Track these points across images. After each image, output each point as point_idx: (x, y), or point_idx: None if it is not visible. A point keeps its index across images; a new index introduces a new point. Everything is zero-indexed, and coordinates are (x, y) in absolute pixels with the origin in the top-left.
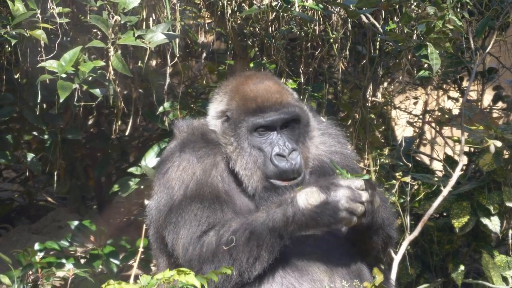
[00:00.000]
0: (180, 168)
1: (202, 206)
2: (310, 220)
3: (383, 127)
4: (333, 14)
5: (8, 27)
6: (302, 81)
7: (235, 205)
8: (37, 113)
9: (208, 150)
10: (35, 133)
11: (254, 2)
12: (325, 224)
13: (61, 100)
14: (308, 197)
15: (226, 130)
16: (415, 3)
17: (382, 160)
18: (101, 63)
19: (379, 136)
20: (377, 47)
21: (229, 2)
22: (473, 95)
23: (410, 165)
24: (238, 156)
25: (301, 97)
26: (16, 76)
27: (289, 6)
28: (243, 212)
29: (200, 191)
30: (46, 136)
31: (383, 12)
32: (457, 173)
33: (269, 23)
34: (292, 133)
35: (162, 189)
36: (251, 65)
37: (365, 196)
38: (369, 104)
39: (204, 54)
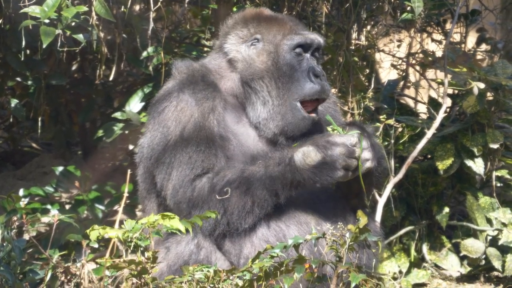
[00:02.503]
0: (178, 109)
1: (197, 150)
2: (308, 180)
3: (367, 70)
4: None
5: None
6: None
7: (229, 149)
8: (22, 59)
9: (207, 93)
10: (18, 79)
11: None
12: (323, 183)
13: (44, 46)
14: (305, 157)
15: (257, 51)
16: None
17: (366, 103)
18: (84, 8)
19: (363, 79)
20: None
21: None
22: (456, 38)
23: (393, 108)
24: (273, 74)
25: None
26: None
27: None
28: (238, 153)
29: (197, 134)
30: (30, 82)
31: None
32: (440, 115)
33: None
34: (317, 60)
35: (157, 127)
36: (234, 9)
37: (357, 151)
38: (353, 47)
39: None
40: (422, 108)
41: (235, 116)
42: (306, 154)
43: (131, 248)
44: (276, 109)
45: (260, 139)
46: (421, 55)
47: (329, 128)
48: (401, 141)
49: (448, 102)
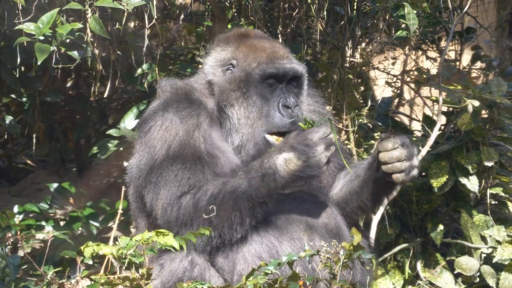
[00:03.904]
0: (163, 128)
1: (183, 167)
2: (293, 183)
3: (362, 87)
4: None
5: None
6: (281, 42)
7: (217, 166)
8: (16, 75)
9: (191, 111)
10: (13, 95)
11: None
12: (310, 181)
13: (39, 63)
14: (287, 164)
15: (231, 78)
16: None
17: (360, 120)
18: (79, 25)
19: (358, 96)
20: (355, 7)
21: None
22: (451, 55)
23: (387, 125)
24: (242, 104)
25: None
26: None
27: None
28: (227, 171)
29: (183, 152)
30: (24, 99)
31: None
32: (435, 133)
33: None
34: (293, 90)
35: (144, 147)
36: (229, 26)
37: (333, 137)
38: (348, 65)
39: (182, 16)
40: (416, 126)
41: (222, 133)
42: (288, 161)
43: (125, 265)
44: (248, 137)
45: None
46: (415, 73)
47: (301, 124)
48: None
49: (442, 119)
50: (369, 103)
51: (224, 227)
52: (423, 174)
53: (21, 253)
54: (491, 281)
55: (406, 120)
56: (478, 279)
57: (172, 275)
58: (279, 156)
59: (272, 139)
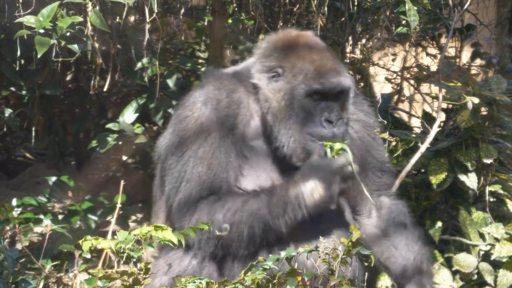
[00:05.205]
0: (198, 123)
1: (209, 171)
2: (313, 212)
3: (362, 83)
4: None
5: None
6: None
7: (246, 168)
8: (16, 68)
9: (230, 111)
10: (13, 88)
11: None
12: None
13: (39, 56)
14: (313, 193)
15: (275, 87)
16: None
17: None
18: (79, 18)
19: (358, 92)
20: (356, 3)
21: None
22: (451, 52)
23: (387, 121)
24: (285, 116)
25: None
26: None
27: None
28: (255, 178)
29: (212, 154)
30: (24, 92)
31: None
32: (434, 130)
33: None
34: (338, 102)
35: (175, 136)
36: (230, 21)
37: (350, 168)
38: (348, 61)
39: (183, 10)
40: (416, 122)
41: (257, 134)
42: (314, 191)
43: (124, 259)
44: (286, 146)
45: (276, 160)
46: (415, 69)
47: (325, 144)
48: (394, 155)
49: (442, 116)
50: (369, 99)
51: (233, 243)
52: (422, 170)
53: (19, 246)
54: (489, 278)
55: (405, 117)
56: (476, 276)
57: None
58: (307, 185)
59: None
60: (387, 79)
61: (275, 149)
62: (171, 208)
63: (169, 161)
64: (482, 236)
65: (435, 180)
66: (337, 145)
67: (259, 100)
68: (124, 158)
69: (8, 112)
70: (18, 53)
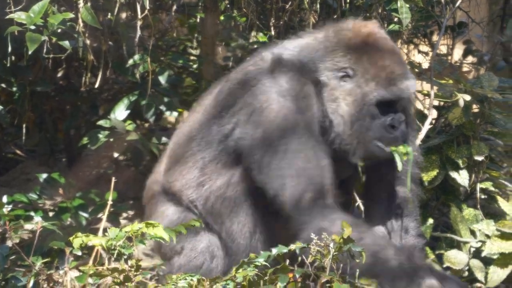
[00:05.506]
0: (280, 115)
1: (309, 164)
2: None
3: None
4: None
5: None
6: (273, 34)
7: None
8: (7, 65)
9: (307, 103)
10: (3, 85)
11: None
12: None
13: (29, 52)
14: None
15: (346, 89)
16: None
17: None
18: (71, 15)
19: None
20: (348, 0)
21: None
22: (443, 49)
23: None
24: (352, 118)
25: None
26: None
27: None
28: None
29: (304, 146)
30: (14, 89)
31: None
32: (426, 127)
33: None
34: (403, 103)
35: (260, 129)
36: (222, 18)
37: None
38: None
39: (175, 7)
40: None
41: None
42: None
43: (115, 256)
44: (348, 144)
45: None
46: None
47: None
48: None
49: (433, 113)
50: None
51: None
52: None
53: (9, 243)
54: (479, 275)
55: None
56: (467, 273)
57: (190, 260)
58: (430, 281)
59: (386, 147)
60: None
61: (330, 143)
62: (284, 204)
63: (259, 155)
64: (473, 233)
65: (426, 177)
66: (401, 148)
67: (323, 97)
68: (116, 155)
69: None
70: (9, 49)
